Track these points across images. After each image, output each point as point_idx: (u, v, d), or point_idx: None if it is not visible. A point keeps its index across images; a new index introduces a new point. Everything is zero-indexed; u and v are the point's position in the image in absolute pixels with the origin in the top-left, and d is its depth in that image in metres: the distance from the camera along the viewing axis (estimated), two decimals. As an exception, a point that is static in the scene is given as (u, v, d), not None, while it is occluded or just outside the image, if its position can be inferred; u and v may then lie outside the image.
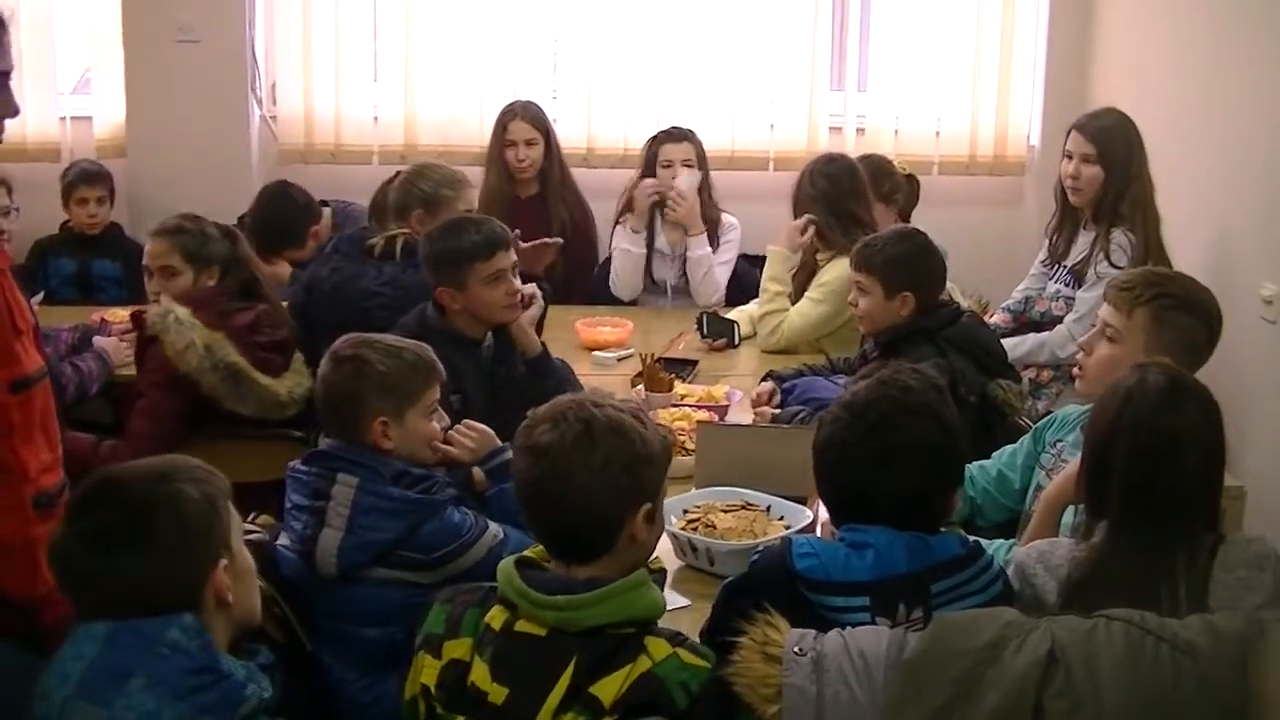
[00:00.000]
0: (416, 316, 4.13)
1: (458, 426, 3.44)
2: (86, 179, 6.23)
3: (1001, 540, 3.23)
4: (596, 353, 5.19)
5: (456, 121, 6.63)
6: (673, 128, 6.08)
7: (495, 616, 2.49)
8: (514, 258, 4.16)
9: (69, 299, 6.05)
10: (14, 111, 2.73)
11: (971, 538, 2.75)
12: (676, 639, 2.46)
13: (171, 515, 2.31)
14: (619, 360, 5.14)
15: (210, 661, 2.28)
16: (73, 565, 2.31)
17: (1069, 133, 4.96)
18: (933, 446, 2.61)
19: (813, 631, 2.35)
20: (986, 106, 6.65)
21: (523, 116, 6.09)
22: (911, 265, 4.32)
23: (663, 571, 2.64)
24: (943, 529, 2.68)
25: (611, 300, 6.05)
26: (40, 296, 5.31)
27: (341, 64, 6.60)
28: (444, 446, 3.39)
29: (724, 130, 6.61)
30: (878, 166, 5.76)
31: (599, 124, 6.67)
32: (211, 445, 4.06)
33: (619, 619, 2.44)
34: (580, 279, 6.16)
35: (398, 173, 5.10)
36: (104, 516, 2.31)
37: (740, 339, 5.38)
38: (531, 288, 4.26)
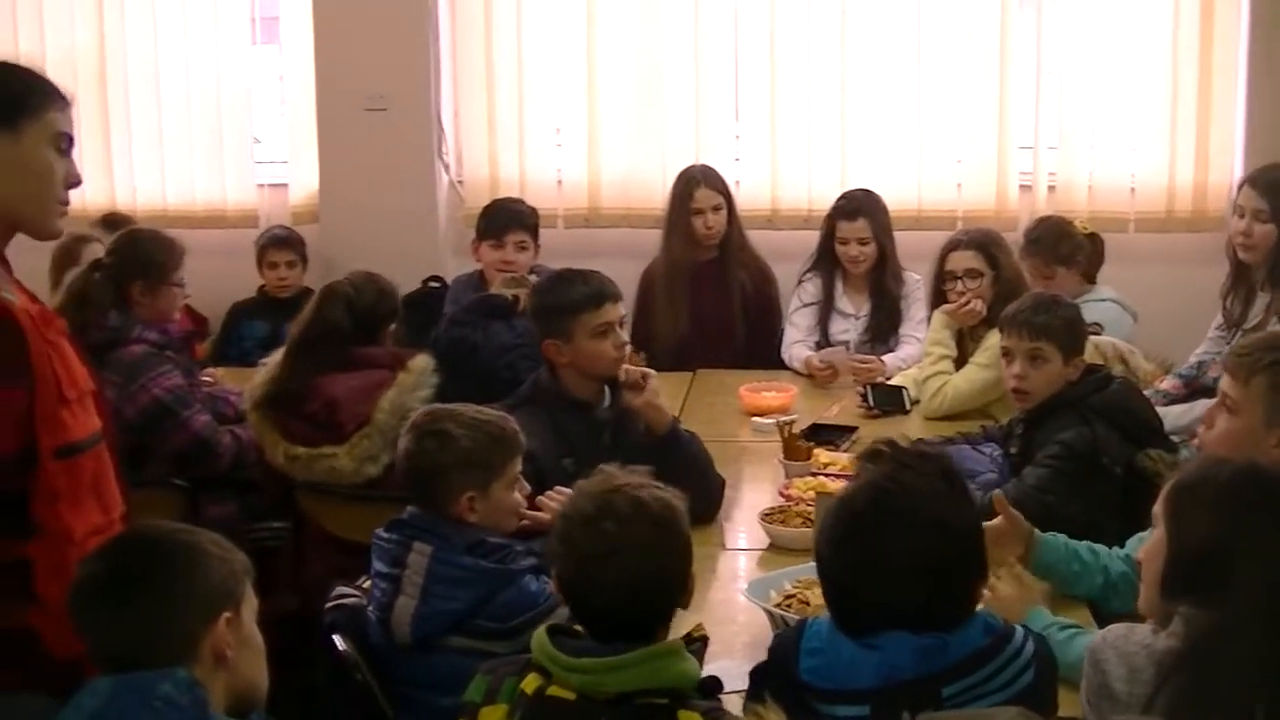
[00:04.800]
0: (530, 383, 4.14)
1: (547, 492, 3.42)
2: (276, 243, 6.44)
3: (1075, 628, 3.07)
4: (755, 418, 5.10)
5: (639, 184, 6.64)
6: (847, 201, 5.96)
7: (530, 683, 2.50)
8: (622, 311, 4.13)
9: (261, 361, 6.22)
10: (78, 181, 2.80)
11: (1002, 622, 2.59)
12: (712, 713, 2.41)
13: (185, 561, 2.36)
14: (779, 426, 5.05)
15: (201, 717, 2.29)
16: (86, 605, 2.36)
17: (1240, 187, 4.76)
18: (937, 556, 2.47)
19: None
20: (1184, 160, 6.40)
21: (706, 183, 6.06)
22: (1082, 327, 4.17)
23: (704, 639, 2.62)
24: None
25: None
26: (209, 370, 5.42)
27: (526, 128, 6.68)
28: (532, 513, 3.38)
29: (910, 189, 6.50)
30: (1055, 228, 5.64)
31: (783, 185, 6.61)
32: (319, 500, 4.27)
33: (649, 686, 2.41)
34: (761, 344, 6.10)
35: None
36: (120, 559, 2.39)
37: (911, 404, 5.25)
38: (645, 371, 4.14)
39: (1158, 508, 2.62)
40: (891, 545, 2.45)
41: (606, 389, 4.14)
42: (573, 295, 4.06)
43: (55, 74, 2.82)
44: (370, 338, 4.49)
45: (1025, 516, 3.72)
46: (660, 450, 4.00)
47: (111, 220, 6.14)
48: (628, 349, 4.17)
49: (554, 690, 2.46)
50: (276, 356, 4.50)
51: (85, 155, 6.41)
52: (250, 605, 2.45)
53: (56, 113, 2.74)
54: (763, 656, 2.75)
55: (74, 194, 2.84)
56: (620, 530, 2.50)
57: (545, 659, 2.48)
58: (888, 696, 2.40)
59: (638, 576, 2.49)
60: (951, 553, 2.48)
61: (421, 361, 4.43)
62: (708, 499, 3.99)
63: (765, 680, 2.52)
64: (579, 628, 2.58)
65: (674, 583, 2.55)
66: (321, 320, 4.42)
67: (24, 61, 2.82)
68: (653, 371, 4.13)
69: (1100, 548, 3.51)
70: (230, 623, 2.38)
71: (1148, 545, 2.65)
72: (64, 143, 2.75)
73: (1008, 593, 3.11)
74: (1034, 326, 4.04)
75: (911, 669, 2.41)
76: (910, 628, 2.43)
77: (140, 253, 4.71)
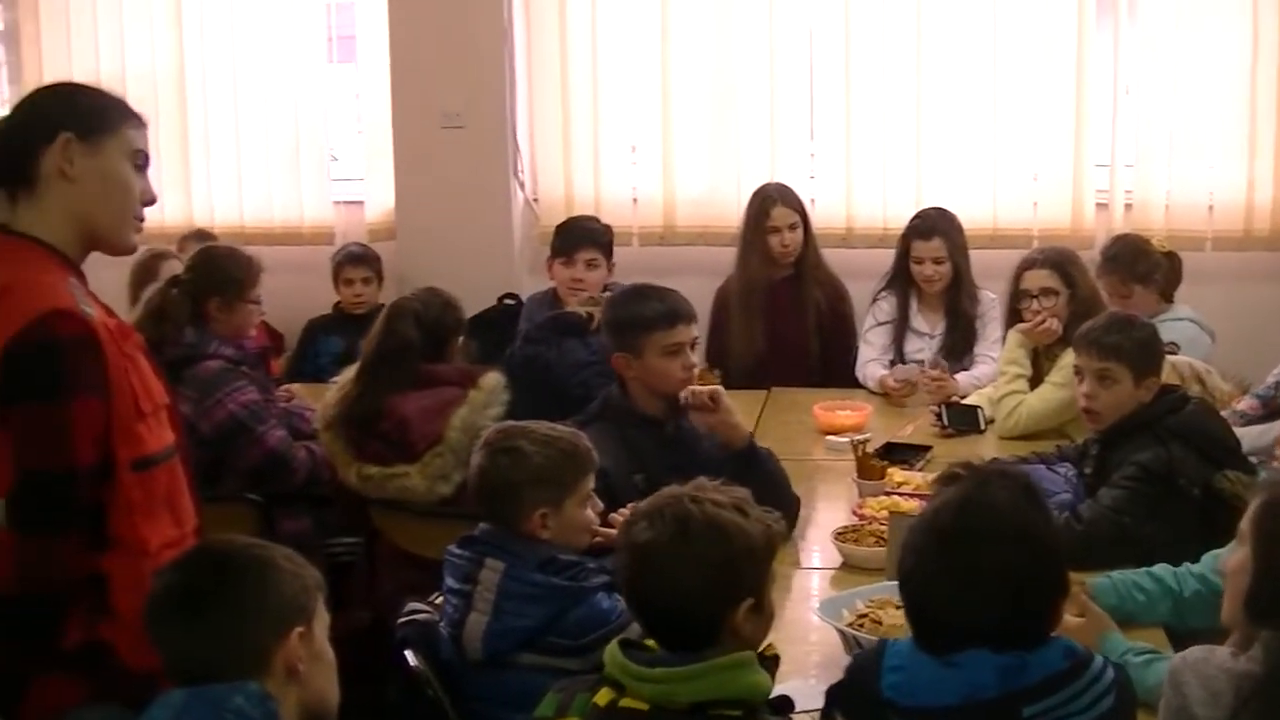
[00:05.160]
0: (601, 400, 4.13)
1: (620, 510, 3.41)
2: (352, 260, 6.49)
3: (1152, 653, 3.02)
4: (830, 437, 5.07)
5: (714, 202, 6.64)
6: (922, 219, 5.93)
7: (603, 696, 2.50)
8: (695, 333, 4.12)
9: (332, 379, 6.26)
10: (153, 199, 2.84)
11: (1082, 647, 2.55)
12: None
13: (257, 576, 2.38)
14: (853, 445, 5.01)
15: None
16: (159, 618, 2.39)
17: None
18: (1019, 571, 2.43)
19: None
20: (1263, 178, 6.30)
21: (782, 201, 6.05)
22: (1158, 348, 4.11)
23: (776, 658, 2.59)
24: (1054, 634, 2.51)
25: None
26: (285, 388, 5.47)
27: (601, 147, 6.70)
28: (604, 530, 3.37)
29: (986, 207, 6.45)
30: (1132, 247, 5.59)
31: (858, 204, 6.59)
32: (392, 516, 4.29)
33: (720, 697, 2.41)
34: (836, 362, 6.07)
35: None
36: (192, 573, 2.41)
37: (986, 424, 5.20)
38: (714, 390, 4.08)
39: (1245, 524, 2.58)
40: (974, 560, 2.42)
41: None
42: (646, 312, 4.05)
43: (135, 93, 2.87)
44: (439, 351, 4.51)
45: (1101, 537, 3.71)
46: (736, 466, 3.98)
47: (202, 235, 6.25)
48: (696, 370, 4.15)
49: (626, 702, 2.46)
50: (348, 374, 4.52)
51: (164, 173, 6.52)
52: (322, 620, 2.46)
53: (133, 130, 2.78)
54: (835, 676, 2.74)
55: (153, 211, 2.89)
56: (655, 538, 2.51)
57: (618, 670, 2.49)
58: (969, 714, 2.38)
59: (675, 585, 2.49)
60: (1033, 568, 2.44)
61: (493, 379, 4.45)
62: (783, 517, 3.96)
63: (839, 700, 2.50)
64: (651, 642, 2.57)
65: (713, 597, 2.50)
66: (392, 336, 4.44)
67: (103, 83, 2.87)
68: (721, 389, 4.09)
69: (1165, 570, 3.47)
70: (302, 637, 2.39)
71: (1235, 559, 2.62)
72: (140, 160, 2.79)
73: (1077, 624, 3.07)
74: (1104, 346, 3.99)
75: (993, 687, 2.38)
76: (991, 645, 2.40)
77: (217, 269, 4.76)
